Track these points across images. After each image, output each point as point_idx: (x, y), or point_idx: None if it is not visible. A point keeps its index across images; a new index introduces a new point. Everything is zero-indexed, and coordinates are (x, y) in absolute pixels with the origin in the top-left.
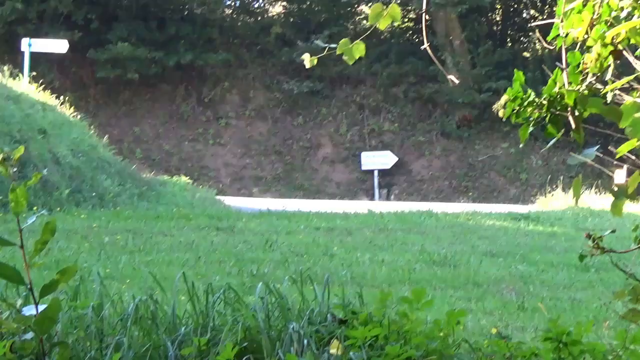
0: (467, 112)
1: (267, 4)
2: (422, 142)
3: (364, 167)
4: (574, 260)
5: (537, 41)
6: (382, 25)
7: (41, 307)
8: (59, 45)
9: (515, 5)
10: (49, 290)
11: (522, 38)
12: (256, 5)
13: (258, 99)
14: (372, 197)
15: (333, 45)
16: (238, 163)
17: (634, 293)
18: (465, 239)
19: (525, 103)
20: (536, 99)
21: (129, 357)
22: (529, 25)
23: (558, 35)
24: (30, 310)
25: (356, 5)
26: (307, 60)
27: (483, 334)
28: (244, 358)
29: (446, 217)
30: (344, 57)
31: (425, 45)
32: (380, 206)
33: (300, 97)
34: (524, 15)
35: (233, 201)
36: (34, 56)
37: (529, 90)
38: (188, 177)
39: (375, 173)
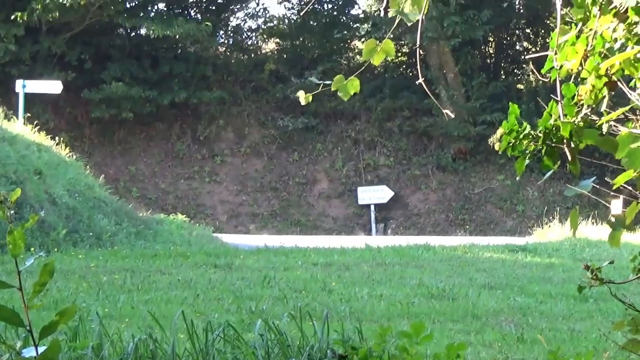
0: (462, 145)
1: (260, 41)
2: (418, 175)
3: (360, 202)
4: (573, 290)
5: (530, 73)
6: (377, 60)
7: (41, 349)
8: (53, 86)
9: (508, 38)
10: (48, 331)
11: (515, 70)
12: (249, 43)
13: (253, 136)
14: (369, 232)
15: (328, 82)
16: (234, 200)
17: (634, 323)
18: (463, 271)
19: (521, 136)
20: (532, 132)
21: None
22: (523, 57)
23: (552, 67)
24: (30, 352)
25: (349, 41)
26: (302, 97)
27: None
28: None
29: (443, 250)
30: (339, 93)
31: (421, 80)
32: (377, 241)
33: (295, 133)
34: (517, 47)
35: (230, 238)
36: (29, 97)
37: (524, 123)
38: (184, 215)
39: (372, 208)
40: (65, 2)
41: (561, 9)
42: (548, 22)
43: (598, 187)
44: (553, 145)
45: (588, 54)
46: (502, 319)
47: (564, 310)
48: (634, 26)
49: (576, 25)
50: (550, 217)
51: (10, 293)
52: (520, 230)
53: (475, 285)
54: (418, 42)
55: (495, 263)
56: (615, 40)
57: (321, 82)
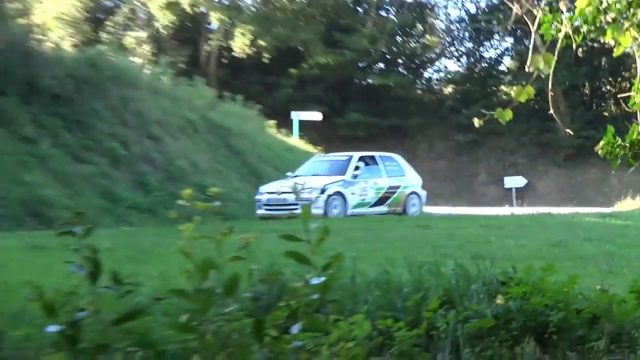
0: (570, 151)
1: (442, 87)
2: (542, 170)
3: (506, 186)
4: None
5: (612, 105)
6: (522, 98)
7: (322, 279)
8: (315, 116)
9: (597, 83)
10: (326, 268)
11: (602, 104)
12: (436, 87)
13: (439, 146)
14: (511, 205)
15: (491, 112)
16: (427, 185)
17: None
18: (572, 229)
19: (616, 145)
20: (622, 143)
21: (371, 308)
22: (607, 95)
23: (634, 102)
24: (316, 281)
25: (498, 86)
26: (477, 122)
27: (590, 289)
28: (444, 307)
29: (559, 216)
30: (499, 119)
31: (551, 110)
32: (517, 211)
33: (465, 144)
34: (603, 89)
35: (427, 209)
36: (301, 123)
37: (617, 137)
38: None
39: (513, 190)
40: (324, 62)
41: None
42: (625, 73)
43: None
44: (636, 151)
45: None
46: (599, 259)
47: (638, 254)
48: None
49: None
50: (628, 196)
51: (296, 246)
52: (607, 204)
53: (579, 238)
54: (550, 86)
55: (592, 224)
56: None
57: (487, 112)
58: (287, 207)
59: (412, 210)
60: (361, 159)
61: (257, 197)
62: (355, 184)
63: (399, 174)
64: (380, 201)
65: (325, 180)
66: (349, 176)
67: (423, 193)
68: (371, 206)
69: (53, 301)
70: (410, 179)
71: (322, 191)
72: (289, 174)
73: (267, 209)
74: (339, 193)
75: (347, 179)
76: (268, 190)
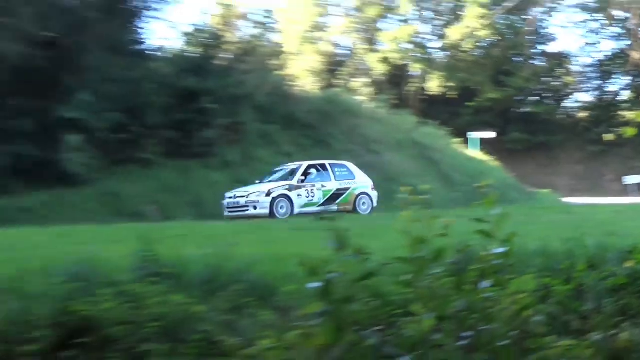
0: None
1: (577, 112)
2: None
3: (626, 183)
4: None
5: None
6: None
7: (502, 249)
8: (490, 134)
9: None
10: (505, 241)
11: None
12: (572, 113)
13: (576, 155)
14: (630, 197)
15: (615, 130)
16: (568, 183)
17: None
18: None
19: None
20: None
21: (536, 270)
22: None
23: None
24: (497, 251)
25: (618, 111)
26: (609, 136)
27: None
28: (589, 269)
29: None
30: (624, 134)
31: None
32: (634, 201)
33: (596, 153)
34: None
35: (567, 200)
36: (480, 140)
37: None
38: (548, 190)
39: (632, 186)
40: (493, 97)
41: None
42: None
43: None
44: None
45: None
46: None
47: None
48: None
49: None
50: None
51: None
52: None
53: None
54: None
55: None
56: None
57: (612, 130)
58: (240, 209)
59: (363, 208)
60: (312, 166)
61: (222, 201)
62: (301, 188)
63: (348, 178)
64: (329, 200)
65: (272, 185)
66: (296, 181)
67: (374, 194)
68: (319, 205)
69: (314, 265)
70: (360, 182)
71: (268, 194)
72: (257, 181)
73: (229, 211)
74: (284, 196)
75: (293, 184)
76: (229, 196)
